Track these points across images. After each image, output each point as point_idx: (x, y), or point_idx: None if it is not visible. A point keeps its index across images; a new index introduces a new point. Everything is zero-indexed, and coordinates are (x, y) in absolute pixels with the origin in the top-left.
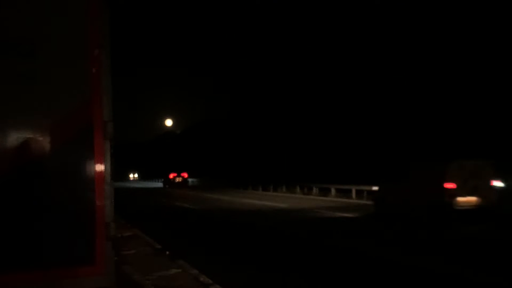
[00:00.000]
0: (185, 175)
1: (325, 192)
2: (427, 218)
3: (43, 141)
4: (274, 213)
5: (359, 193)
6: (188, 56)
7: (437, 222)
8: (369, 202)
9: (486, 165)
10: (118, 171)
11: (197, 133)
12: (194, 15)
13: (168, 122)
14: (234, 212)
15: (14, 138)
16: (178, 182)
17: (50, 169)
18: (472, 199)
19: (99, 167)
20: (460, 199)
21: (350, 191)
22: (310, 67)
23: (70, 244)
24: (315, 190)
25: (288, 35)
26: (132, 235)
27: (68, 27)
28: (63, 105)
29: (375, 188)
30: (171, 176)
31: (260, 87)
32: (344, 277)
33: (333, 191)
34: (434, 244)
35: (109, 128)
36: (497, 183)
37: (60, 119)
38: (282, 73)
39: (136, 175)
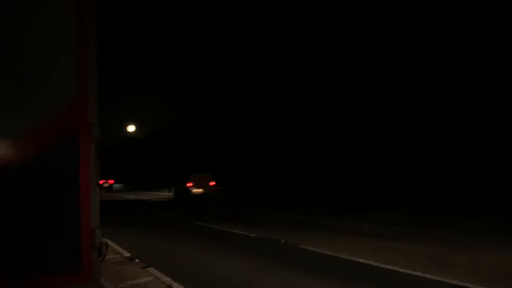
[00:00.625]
0: (111, 181)
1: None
2: (185, 199)
3: (27, 144)
4: (140, 203)
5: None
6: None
7: (189, 200)
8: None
9: (208, 175)
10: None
11: (157, 140)
12: (161, 17)
13: (131, 128)
14: (125, 202)
15: None
16: (105, 187)
17: (34, 173)
18: (200, 190)
19: (85, 172)
20: (194, 190)
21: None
22: (284, 73)
23: (55, 252)
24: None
25: (264, 39)
26: None
27: (56, 28)
28: (47, 107)
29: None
30: (100, 182)
31: (226, 96)
32: (157, 227)
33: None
34: (190, 209)
35: (95, 131)
36: (212, 184)
37: (45, 122)
38: (249, 78)
39: None
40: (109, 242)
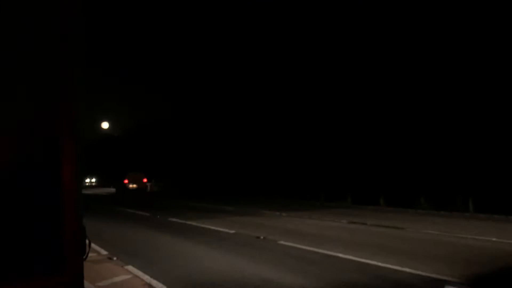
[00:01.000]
0: None
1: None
2: (123, 193)
3: (8, 142)
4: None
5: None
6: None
7: (125, 194)
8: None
9: (141, 173)
10: None
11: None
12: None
13: (105, 125)
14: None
15: None
16: None
17: (15, 172)
18: (134, 185)
19: (68, 170)
20: (130, 185)
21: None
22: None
23: (38, 254)
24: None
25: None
26: None
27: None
28: (29, 102)
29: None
30: None
31: (196, 92)
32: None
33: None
34: (129, 199)
35: (78, 128)
36: (145, 180)
37: (25, 117)
38: (218, 75)
39: None
40: None
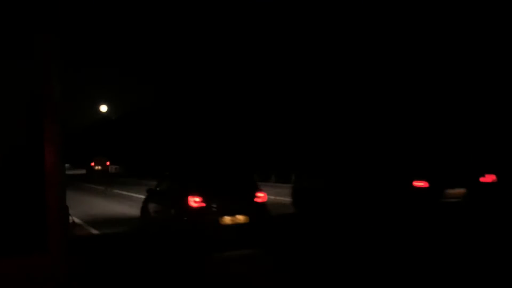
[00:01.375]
0: None
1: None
2: (90, 173)
3: None
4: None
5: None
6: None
7: (92, 174)
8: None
9: (104, 158)
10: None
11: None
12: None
13: (103, 108)
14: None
15: None
16: None
17: None
18: (99, 167)
19: (50, 151)
20: (96, 167)
21: None
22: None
23: (22, 233)
24: None
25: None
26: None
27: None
28: (11, 86)
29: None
30: None
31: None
32: (78, 189)
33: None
34: (93, 178)
35: (59, 111)
36: (107, 163)
37: (8, 101)
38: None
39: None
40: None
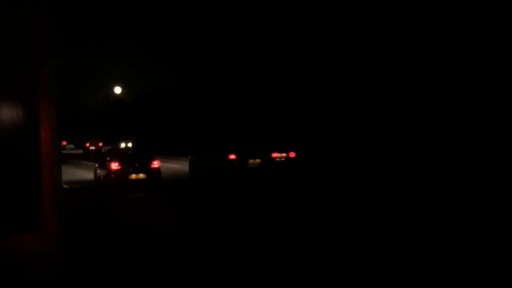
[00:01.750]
0: (64, 142)
1: None
2: (86, 153)
3: None
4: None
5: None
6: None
7: (87, 153)
8: None
9: (97, 140)
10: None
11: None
12: None
13: (117, 90)
14: None
15: None
16: None
17: None
18: (93, 148)
19: (45, 132)
20: (90, 148)
21: None
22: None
23: (16, 211)
24: None
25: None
26: None
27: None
28: (6, 67)
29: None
30: None
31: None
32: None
33: None
34: (87, 156)
35: (54, 93)
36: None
37: (3, 82)
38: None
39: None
40: None
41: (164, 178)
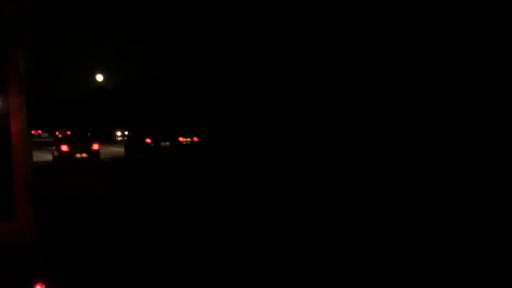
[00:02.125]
0: (40, 131)
1: None
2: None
3: None
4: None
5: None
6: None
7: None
8: None
9: (65, 128)
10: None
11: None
12: None
13: (99, 78)
14: None
15: None
16: (33, 135)
17: None
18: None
19: (15, 121)
20: (59, 135)
21: None
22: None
23: None
24: None
25: None
26: None
27: None
28: None
29: None
30: (32, 132)
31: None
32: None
33: None
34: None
35: (25, 81)
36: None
37: None
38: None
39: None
40: None
41: (108, 157)
